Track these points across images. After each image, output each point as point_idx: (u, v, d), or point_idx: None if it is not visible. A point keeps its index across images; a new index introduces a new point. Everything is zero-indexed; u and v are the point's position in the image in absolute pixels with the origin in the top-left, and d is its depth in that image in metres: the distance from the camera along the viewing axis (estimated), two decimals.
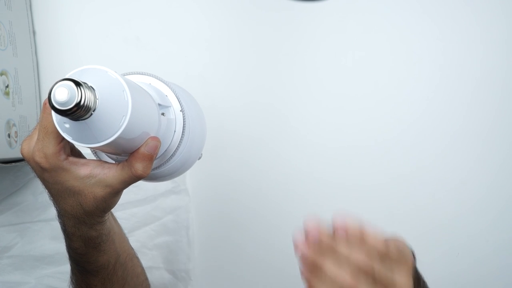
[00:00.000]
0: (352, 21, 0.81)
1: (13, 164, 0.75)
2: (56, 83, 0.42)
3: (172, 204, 0.82)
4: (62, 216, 0.55)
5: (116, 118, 0.45)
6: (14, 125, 0.75)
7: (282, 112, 0.82)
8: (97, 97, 0.44)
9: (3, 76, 0.74)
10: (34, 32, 0.82)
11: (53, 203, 0.55)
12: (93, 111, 0.44)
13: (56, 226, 0.81)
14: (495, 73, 0.80)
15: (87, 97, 0.43)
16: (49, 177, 0.51)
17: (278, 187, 0.83)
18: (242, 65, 0.82)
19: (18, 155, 0.75)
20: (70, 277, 0.63)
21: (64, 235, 0.57)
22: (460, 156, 0.81)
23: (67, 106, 0.42)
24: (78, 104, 0.42)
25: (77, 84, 0.42)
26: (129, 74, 0.56)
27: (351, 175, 0.82)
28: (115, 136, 0.45)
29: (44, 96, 0.83)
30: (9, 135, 0.73)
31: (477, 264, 0.81)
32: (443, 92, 0.80)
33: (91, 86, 0.44)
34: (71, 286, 0.64)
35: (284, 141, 0.82)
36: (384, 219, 0.82)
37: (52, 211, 0.81)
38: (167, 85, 0.55)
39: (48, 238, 0.81)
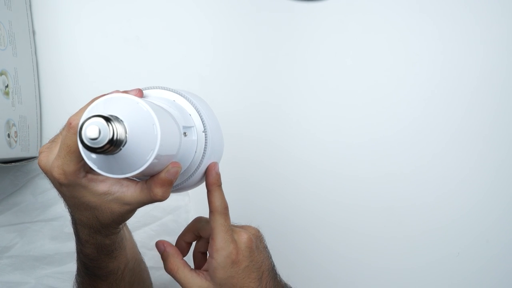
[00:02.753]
0: (352, 21, 0.81)
1: (13, 164, 0.75)
2: (87, 119, 0.41)
3: (172, 204, 0.82)
4: (77, 224, 0.55)
5: (144, 152, 0.44)
6: (14, 125, 0.75)
7: (282, 111, 0.82)
8: (127, 132, 0.43)
9: (3, 76, 0.74)
10: (34, 32, 0.82)
11: (69, 212, 0.55)
12: (123, 146, 0.43)
13: (56, 226, 0.82)
14: (494, 73, 0.80)
15: (118, 134, 0.42)
16: (67, 191, 0.51)
17: (278, 186, 0.83)
18: (243, 65, 0.82)
19: (18, 155, 0.75)
20: (75, 277, 0.63)
21: (76, 240, 0.57)
22: (460, 156, 0.81)
23: (99, 145, 0.41)
24: (110, 141, 0.41)
25: (108, 120, 0.41)
26: (154, 89, 0.55)
27: (352, 174, 0.82)
28: (141, 169, 0.45)
29: (44, 96, 0.83)
30: (8, 135, 0.73)
31: (477, 264, 0.81)
32: (442, 92, 0.80)
33: (121, 120, 0.43)
34: (75, 286, 0.64)
35: (284, 139, 0.82)
36: (384, 218, 0.82)
37: (52, 211, 0.81)
38: (191, 104, 0.54)
39: (48, 238, 0.81)
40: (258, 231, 0.60)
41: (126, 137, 0.43)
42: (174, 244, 0.62)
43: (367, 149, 0.81)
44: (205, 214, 0.84)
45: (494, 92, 0.80)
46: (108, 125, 0.41)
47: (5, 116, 0.73)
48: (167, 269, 0.59)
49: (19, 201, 0.82)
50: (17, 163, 0.76)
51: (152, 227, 0.82)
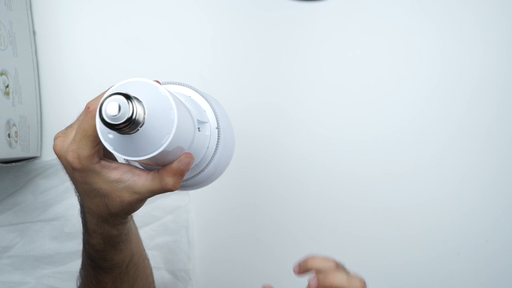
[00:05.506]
0: (352, 21, 0.81)
1: (13, 164, 0.76)
2: (108, 96, 0.42)
3: (172, 204, 0.82)
4: (86, 213, 0.55)
5: (160, 135, 0.45)
6: (14, 125, 0.75)
7: (282, 110, 0.82)
8: (145, 113, 0.44)
9: (3, 76, 0.74)
10: (34, 32, 0.82)
11: (78, 200, 0.56)
12: (140, 126, 0.44)
13: (56, 226, 0.82)
14: (494, 73, 0.80)
15: (138, 113, 0.43)
16: (79, 177, 0.51)
17: (278, 186, 0.83)
18: (243, 65, 0.82)
19: (18, 155, 0.76)
20: (79, 271, 0.63)
21: (83, 230, 0.57)
22: (459, 155, 0.81)
23: (118, 121, 0.42)
24: (129, 119, 0.42)
25: (129, 98, 0.42)
26: (171, 84, 0.56)
27: (351, 173, 0.82)
28: (156, 152, 0.45)
29: (45, 96, 0.83)
30: (9, 135, 0.73)
31: (477, 264, 0.81)
32: (442, 92, 0.80)
33: (141, 101, 0.44)
34: (78, 280, 0.64)
35: (284, 139, 0.82)
36: (384, 217, 0.82)
37: (53, 211, 0.81)
38: (206, 100, 0.55)
39: (48, 238, 0.82)
40: None
41: (144, 118, 0.44)
42: None
43: (366, 148, 0.81)
44: (205, 214, 0.85)
45: (494, 92, 0.80)
46: (128, 103, 0.42)
47: (6, 116, 0.73)
48: None
49: (19, 201, 0.82)
50: (18, 163, 0.77)
51: (152, 227, 0.82)
